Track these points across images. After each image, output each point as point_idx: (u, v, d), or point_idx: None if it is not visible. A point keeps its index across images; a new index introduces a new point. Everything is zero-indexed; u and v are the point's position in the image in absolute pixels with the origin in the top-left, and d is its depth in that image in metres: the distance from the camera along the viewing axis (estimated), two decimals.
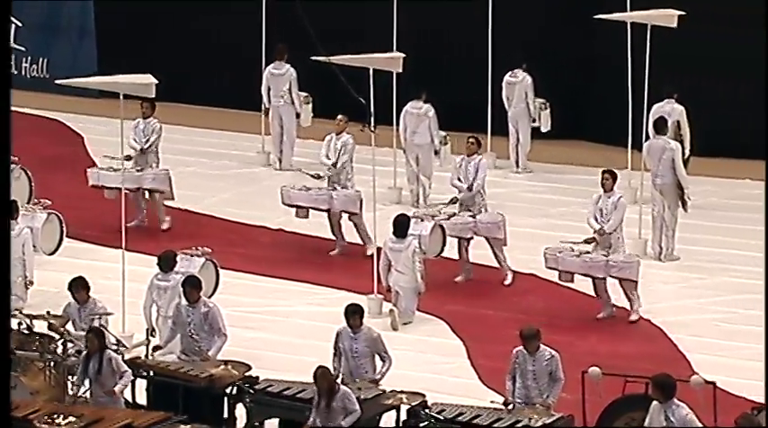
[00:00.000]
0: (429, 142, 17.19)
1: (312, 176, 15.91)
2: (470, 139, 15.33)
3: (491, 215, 15.12)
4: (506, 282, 15.05)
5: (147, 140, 16.24)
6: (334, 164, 15.84)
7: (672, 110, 16.84)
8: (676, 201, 15.53)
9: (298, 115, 18.26)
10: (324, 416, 11.22)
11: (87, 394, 12.00)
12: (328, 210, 15.76)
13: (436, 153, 17.28)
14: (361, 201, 15.61)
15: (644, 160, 16.04)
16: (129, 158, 15.98)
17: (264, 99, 18.27)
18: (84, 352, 11.86)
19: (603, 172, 14.56)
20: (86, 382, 11.85)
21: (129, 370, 11.79)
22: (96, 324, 12.71)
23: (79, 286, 12.84)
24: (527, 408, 11.51)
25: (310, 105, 18.35)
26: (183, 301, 12.69)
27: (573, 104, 18.57)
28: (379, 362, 12.23)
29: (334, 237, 15.97)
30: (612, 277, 14.15)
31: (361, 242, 15.73)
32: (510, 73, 18.02)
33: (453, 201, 15.08)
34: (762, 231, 15.01)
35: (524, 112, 18.01)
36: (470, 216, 14.98)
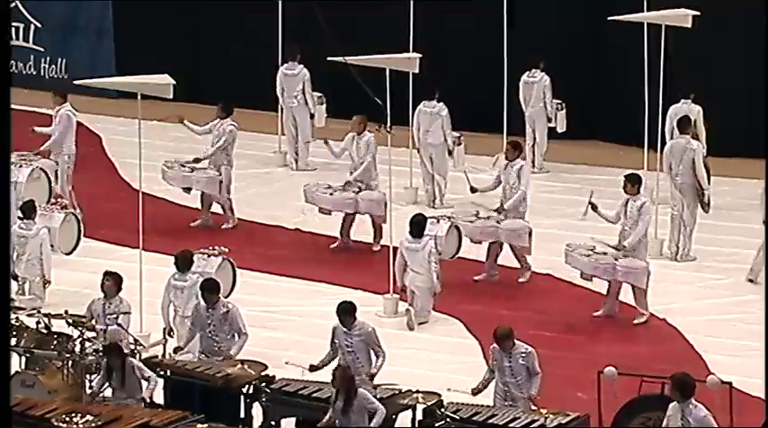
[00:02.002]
0: (442, 142, 17.16)
1: (331, 152, 15.78)
2: (509, 144, 15.03)
3: (515, 222, 14.86)
4: (520, 280, 14.97)
5: (218, 141, 16.19)
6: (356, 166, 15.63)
7: (689, 110, 16.77)
8: (695, 201, 15.49)
9: (312, 115, 18.25)
10: (341, 417, 11.19)
11: (107, 393, 12.03)
12: (355, 213, 15.63)
13: (450, 153, 17.25)
14: (386, 204, 15.48)
15: (664, 159, 15.95)
16: (198, 160, 16.07)
17: (279, 99, 18.27)
18: (105, 363, 11.84)
19: (626, 176, 14.39)
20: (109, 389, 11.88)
21: (154, 375, 11.79)
22: (116, 322, 12.73)
23: (113, 279, 12.84)
24: (538, 408, 11.50)
25: (324, 106, 18.34)
26: (202, 302, 12.68)
27: (588, 105, 18.50)
28: (374, 358, 12.20)
29: (339, 236, 15.91)
30: (621, 281, 14.01)
31: (371, 240, 15.68)
32: (528, 73, 17.96)
33: (499, 211, 14.87)
34: None
35: (541, 113, 17.96)
36: (496, 221, 14.79)
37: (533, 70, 17.93)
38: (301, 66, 18.15)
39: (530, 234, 14.87)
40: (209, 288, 12.68)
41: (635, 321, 14.14)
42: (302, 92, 18.14)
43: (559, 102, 17.99)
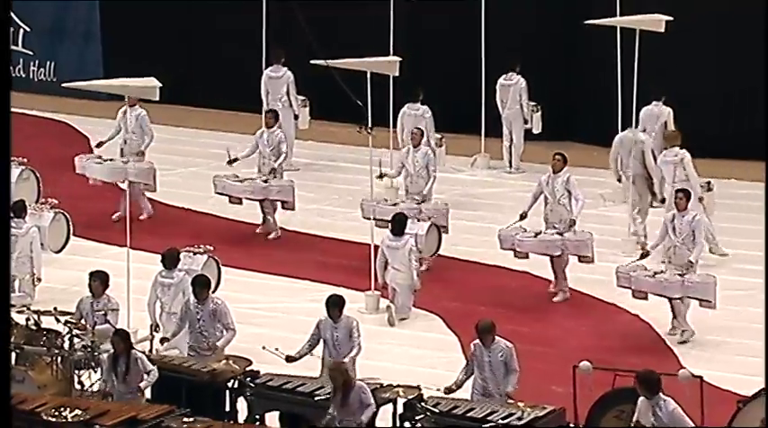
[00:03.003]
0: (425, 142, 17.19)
1: (378, 177, 15.57)
2: (557, 156, 14.73)
3: (581, 233, 14.48)
4: (555, 299, 14.54)
5: (273, 152, 16.04)
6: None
7: (659, 112, 16.85)
8: (646, 192, 15.67)
9: (296, 117, 18.27)
10: (341, 410, 11.21)
11: (96, 387, 12.02)
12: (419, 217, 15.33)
13: (433, 153, 17.29)
14: (448, 212, 15.32)
15: (612, 152, 16.10)
16: (273, 171, 15.94)
17: (263, 101, 18.29)
18: (112, 353, 11.84)
19: (677, 191, 13.89)
20: (113, 381, 11.84)
21: (155, 368, 11.80)
22: (105, 319, 12.73)
23: (99, 279, 12.85)
24: (516, 402, 11.52)
25: (308, 108, 18.36)
26: (192, 298, 12.68)
27: (563, 107, 18.55)
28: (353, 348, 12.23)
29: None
30: (691, 298, 13.57)
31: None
32: (504, 76, 18.02)
33: (522, 217, 14.56)
34: (752, 230, 14.99)
35: (518, 114, 18.01)
36: (557, 233, 14.41)
37: (510, 73, 17.98)
38: (285, 68, 18.17)
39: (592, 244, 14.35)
40: (201, 283, 12.69)
41: (680, 339, 13.66)
42: (286, 94, 18.17)
43: (535, 104, 18.04)
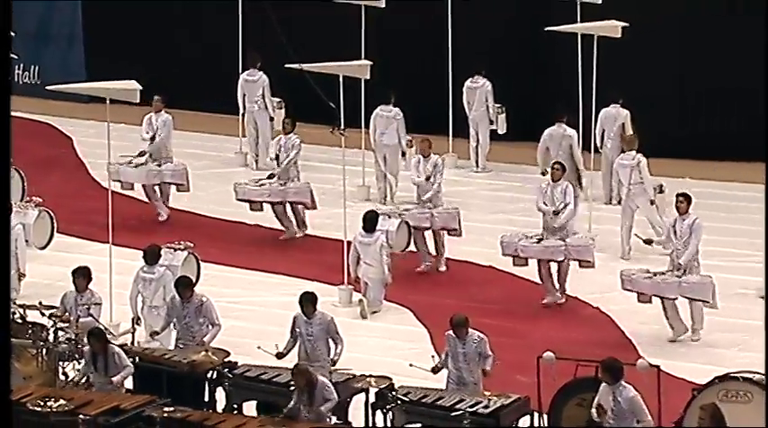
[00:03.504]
0: (396, 143, 17.21)
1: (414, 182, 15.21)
2: (555, 166, 14.60)
3: (582, 238, 14.33)
4: (544, 301, 14.31)
5: (287, 156, 15.84)
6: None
7: (617, 114, 16.92)
8: (574, 182, 15.87)
9: (271, 119, 18.24)
10: (308, 408, 11.20)
11: (84, 380, 11.98)
12: (430, 228, 15.13)
13: (403, 154, 17.32)
14: (459, 215, 15.13)
15: (541, 145, 16.25)
16: (272, 177, 15.79)
17: (240, 104, 18.26)
18: (90, 350, 11.80)
19: (678, 195, 13.57)
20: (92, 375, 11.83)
21: (131, 366, 11.77)
22: (89, 313, 12.69)
23: (82, 275, 12.81)
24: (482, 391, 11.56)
25: (283, 110, 18.34)
26: (177, 297, 12.67)
27: (527, 109, 18.59)
28: (333, 345, 12.21)
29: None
30: (688, 298, 13.39)
31: (434, 252, 15.21)
32: (471, 79, 18.05)
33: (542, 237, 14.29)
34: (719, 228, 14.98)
35: (484, 116, 18.04)
36: (560, 238, 14.20)
37: (476, 76, 18.02)
38: (261, 72, 18.15)
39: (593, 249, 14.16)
40: (183, 284, 12.69)
41: (693, 338, 13.43)
42: (262, 97, 18.14)
43: (500, 105, 18.08)
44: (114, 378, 11.66)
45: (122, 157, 16.35)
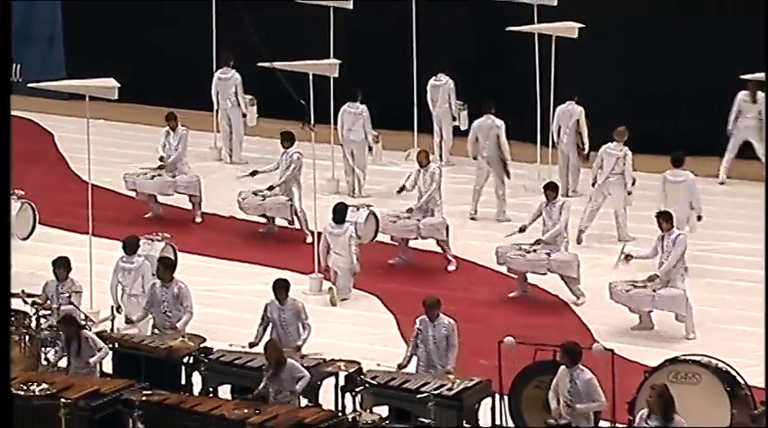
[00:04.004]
0: (363, 139, 17.22)
1: (398, 191, 15.24)
2: (550, 185, 14.49)
3: (564, 254, 14.08)
4: (578, 303, 14.05)
5: (286, 172, 15.58)
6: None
7: (572, 110, 17.01)
8: (501, 171, 16.13)
9: (244, 115, 18.21)
10: (273, 384, 11.22)
11: (62, 363, 11.94)
12: (416, 239, 14.99)
13: (369, 149, 17.34)
14: (448, 227, 14.97)
15: (471, 136, 16.46)
16: (272, 188, 15.68)
17: (214, 101, 18.23)
18: (63, 338, 11.77)
19: (658, 215, 13.47)
20: (65, 359, 11.81)
21: (106, 346, 11.73)
22: (69, 301, 12.65)
23: (62, 265, 12.77)
24: (444, 374, 11.60)
25: (255, 107, 18.32)
26: (158, 282, 12.65)
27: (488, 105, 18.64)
28: (302, 330, 12.21)
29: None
30: (662, 310, 13.27)
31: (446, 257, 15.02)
32: (434, 77, 18.09)
33: (538, 243, 14.12)
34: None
35: (447, 112, 18.08)
36: (545, 252, 14.05)
37: (439, 75, 18.06)
38: (234, 71, 18.12)
39: (578, 265, 14.00)
40: (164, 264, 12.71)
41: (688, 337, 13.30)
42: (235, 94, 18.12)
43: (462, 103, 18.13)
44: (91, 359, 11.61)
45: (141, 169, 16.33)
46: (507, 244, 14.39)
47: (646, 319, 13.62)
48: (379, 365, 11.70)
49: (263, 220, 16.18)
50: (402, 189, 15.40)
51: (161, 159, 16.37)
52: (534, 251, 14.16)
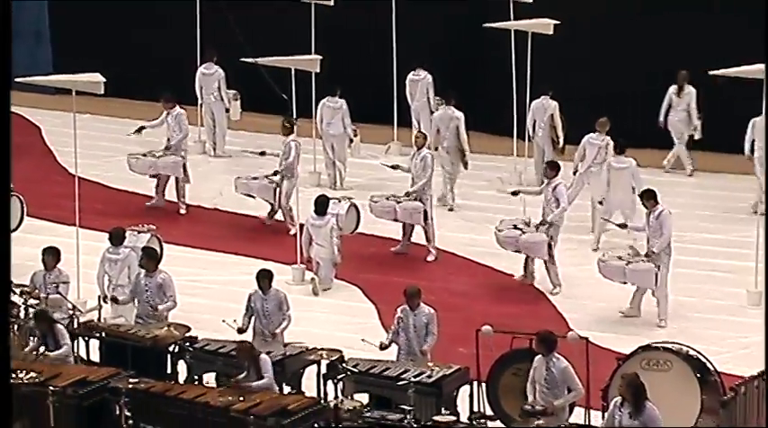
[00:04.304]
0: (342, 132, 17.21)
1: (391, 167, 15.19)
2: (548, 164, 14.43)
3: (535, 235, 13.98)
4: (554, 292, 14.04)
5: (288, 157, 15.45)
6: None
7: (547, 105, 17.03)
8: (459, 160, 16.34)
9: (227, 110, 18.19)
10: (255, 378, 11.21)
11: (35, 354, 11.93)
12: (394, 220, 14.95)
13: (350, 142, 17.34)
14: (426, 213, 14.84)
15: (432, 126, 16.62)
16: (276, 173, 15.50)
17: (198, 95, 18.19)
18: (39, 332, 11.77)
19: (641, 195, 13.56)
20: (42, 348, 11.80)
21: (68, 344, 11.67)
22: (57, 291, 12.60)
23: (51, 254, 12.72)
24: (424, 361, 11.61)
25: (239, 101, 18.27)
26: (142, 272, 12.61)
27: (465, 100, 18.62)
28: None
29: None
30: (633, 284, 13.30)
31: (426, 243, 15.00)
32: (413, 72, 18.09)
33: (543, 223, 14.04)
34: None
35: (425, 106, 18.09)
36: (518, 229, 13.98)
37: (417, 69, 18.06)
38: (217, 66, 18.09)
39: (549, 246, 13.91)
40: (149, 254, 12.70)
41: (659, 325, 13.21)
42: (218, 89, 18.09)
43: (439, 98, 18.12)
44: (52, 354, 11.59)
45: (150, 152, 16.28)
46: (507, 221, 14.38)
47: (636, 305, 13.52)
48: (363, 340, 11.65)
49: (251, 213, 16.15)
50: (395, 166, 15.39)
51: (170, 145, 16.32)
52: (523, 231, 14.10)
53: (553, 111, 16.96)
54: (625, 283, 13.52)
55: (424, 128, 18.26)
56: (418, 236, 15.31)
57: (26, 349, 11.97)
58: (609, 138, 15.66)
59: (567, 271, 14.53)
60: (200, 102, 18.28)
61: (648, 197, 13.60)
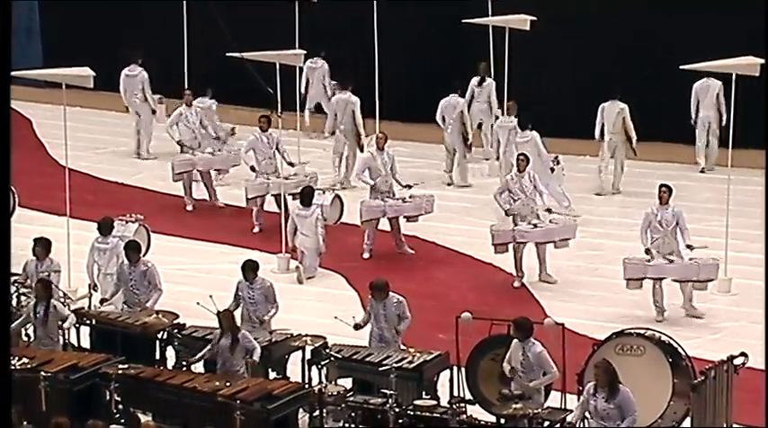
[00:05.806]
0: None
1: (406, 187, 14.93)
2: (520, 157, 14.20)
3: (563, 219, 13.94)
4: (515, 284, 13.98)
5: (275, 154, 15.36)
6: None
7: (456, 103, 16.72)
8: (356, 143, 16.53)
9: (153, 112, 17.94)
10: (228, 355, 11.15)
11: (30, 336, 11.88)
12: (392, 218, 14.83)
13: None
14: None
15: (330, 113, 16.99)
16: (253, 169, 15.40)
17: (123, 98, 17.91)
18: (33, 301, 11.69)
19: (661, 186, 13.14)
20: (32, 328, 11.72)
21: (72, 314, 11.65)
22: (48, 280, 12.58)
23: (42, 245, 12.70)
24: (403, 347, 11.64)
25: (164, 105, 18.06)
26: (126, 261, 12.59)
27: (445, 94, 18.58)
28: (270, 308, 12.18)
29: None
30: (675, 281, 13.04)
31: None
32: (310, 60, 17.89)
33: (549, 211, 13.97)
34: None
35: (322, 94, 18.00)
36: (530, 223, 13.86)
37: (315, 58, 17.90)
38: (141, 68, 17.95)
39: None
40: (132, 247, 12.65)
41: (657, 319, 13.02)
42: (142, 91, 17.93)
43: (335, 83, 17.74)
44: (65, 324, 11.52)
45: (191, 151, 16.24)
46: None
47: (659, 309, 13.21)
48: (336, 317, 11.64)
49: (237, 204, 16.13)
50: (409, 186, 14.98)
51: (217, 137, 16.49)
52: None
53: (462, 108, 16.74)
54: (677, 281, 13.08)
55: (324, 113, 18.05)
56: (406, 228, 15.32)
57: (16, 322, 11.84)
58: (516, 119, 15.95)
59: (531, 262, 14.48)
60: (125, 104, 18.12)
61: (668, 191, 13.13)
